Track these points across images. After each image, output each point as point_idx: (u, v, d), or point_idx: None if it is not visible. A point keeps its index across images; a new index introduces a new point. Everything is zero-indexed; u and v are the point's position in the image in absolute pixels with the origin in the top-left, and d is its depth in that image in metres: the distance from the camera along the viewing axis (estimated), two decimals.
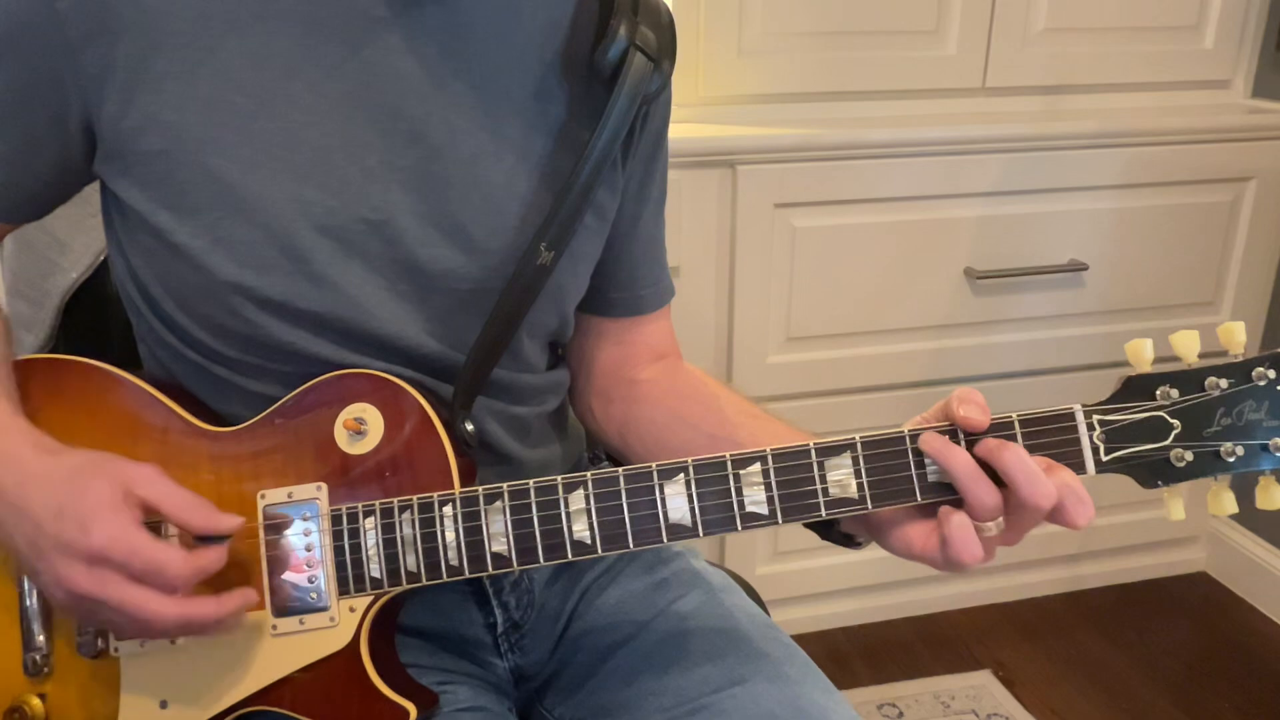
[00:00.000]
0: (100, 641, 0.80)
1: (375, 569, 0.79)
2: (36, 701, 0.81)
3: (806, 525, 0.82)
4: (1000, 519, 0.73)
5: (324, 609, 0.79)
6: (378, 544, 0.79)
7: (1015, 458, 0.72)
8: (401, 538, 0.78)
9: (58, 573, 0.72)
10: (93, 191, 0.86)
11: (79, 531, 0.71)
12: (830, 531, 0.84)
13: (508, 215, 0.84)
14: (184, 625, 0.74)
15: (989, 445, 0.73)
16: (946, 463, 0.73)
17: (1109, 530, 2.18)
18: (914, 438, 0.75)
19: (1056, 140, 1.88)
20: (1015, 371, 1.98)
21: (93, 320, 1.10)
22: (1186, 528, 2.27)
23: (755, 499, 0.76)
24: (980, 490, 0.73)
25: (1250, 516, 2.21)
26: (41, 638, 0.81)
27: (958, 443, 0.74)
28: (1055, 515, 0.73)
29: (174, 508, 0.75)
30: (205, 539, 0.76)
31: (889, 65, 1.91)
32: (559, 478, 0.78)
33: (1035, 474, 0.71)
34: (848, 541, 0.84)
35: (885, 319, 1.91)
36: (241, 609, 0.77)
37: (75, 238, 1.08)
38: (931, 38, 1.91)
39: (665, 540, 0.77)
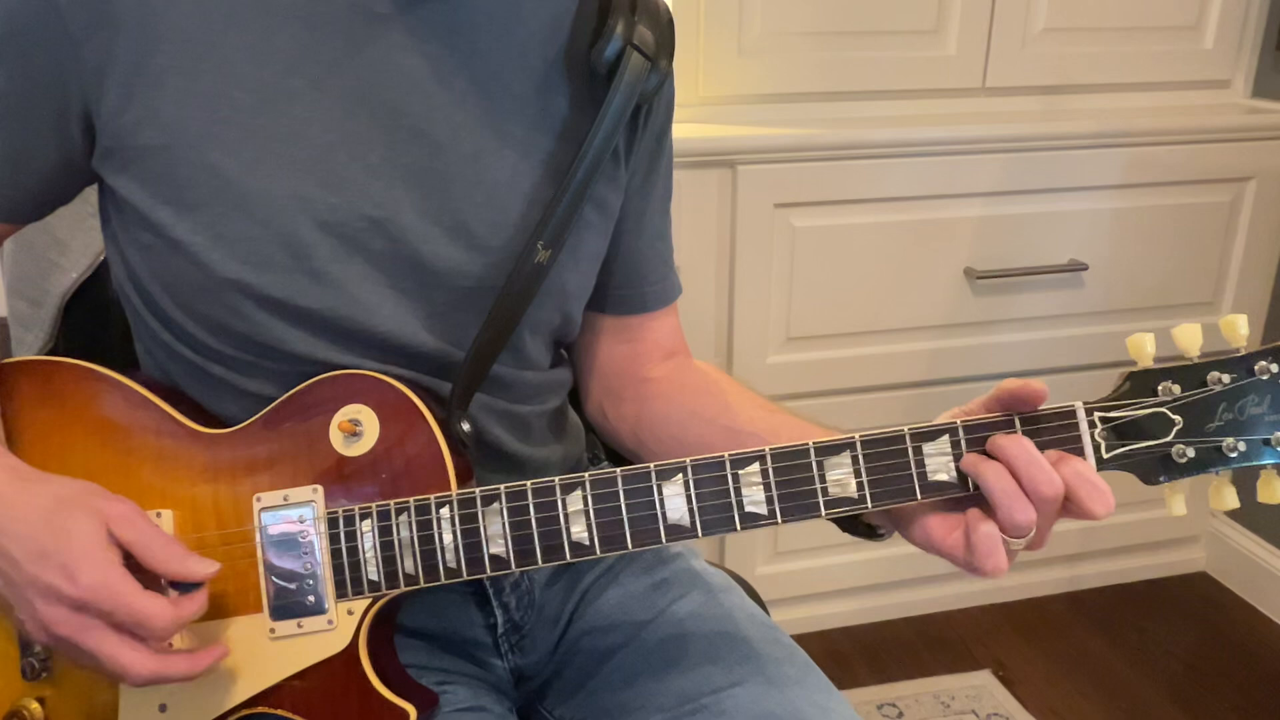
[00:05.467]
0: None
1: (373, 571, 0.78)
2: (36, 706, 0.81)
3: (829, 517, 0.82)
4: (1031, 534, 0.73)
5: (322, 612, 0.79)
6: (375, 546, 0.78)
7: (1013, 443, 0.72)
8: (399, 540, 0.78)
9: (38, 614, 0.72)
10: (92, 191, 0.86)
11: (64, 578, 0.70)
12: (855, 525, 0.83)
13: (510, 212, 0.84)
14: (157, 679, 0.73)
15: (997, 441, 0.73)
16: (982, 479, 0.73)
17: (1109, 530, 2.18)
18: (915, 436, 0.75)
19: (1056, 140, 1.88)
20: (1015, 372, 1.98)
21: (93, 320, 1.10)
22: (1186, 528, 2.27)
23: (754, 499, 0.76)
24: (1015, 510, 0.72)
25: (1250, 517, 2.21)
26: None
27: (959, 443, 0.74)
28: (1072, 507, 0.72)
29: (149, 552, 0.74)
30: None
31: (889, 65, 1.90)
32: (556, 479, 0.77)
33: (1036, 460, 0.71)
34: (870, 533, 0.84)
35: (885, 319, 1.91)
36: (215, 664, 0.76)
37: (75, 237, 1.08)
38: (931, 38, 1.91)
39: (664, 541, 0.77)
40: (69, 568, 0.70)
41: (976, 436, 0.74)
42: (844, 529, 0.84)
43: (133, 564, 0.74)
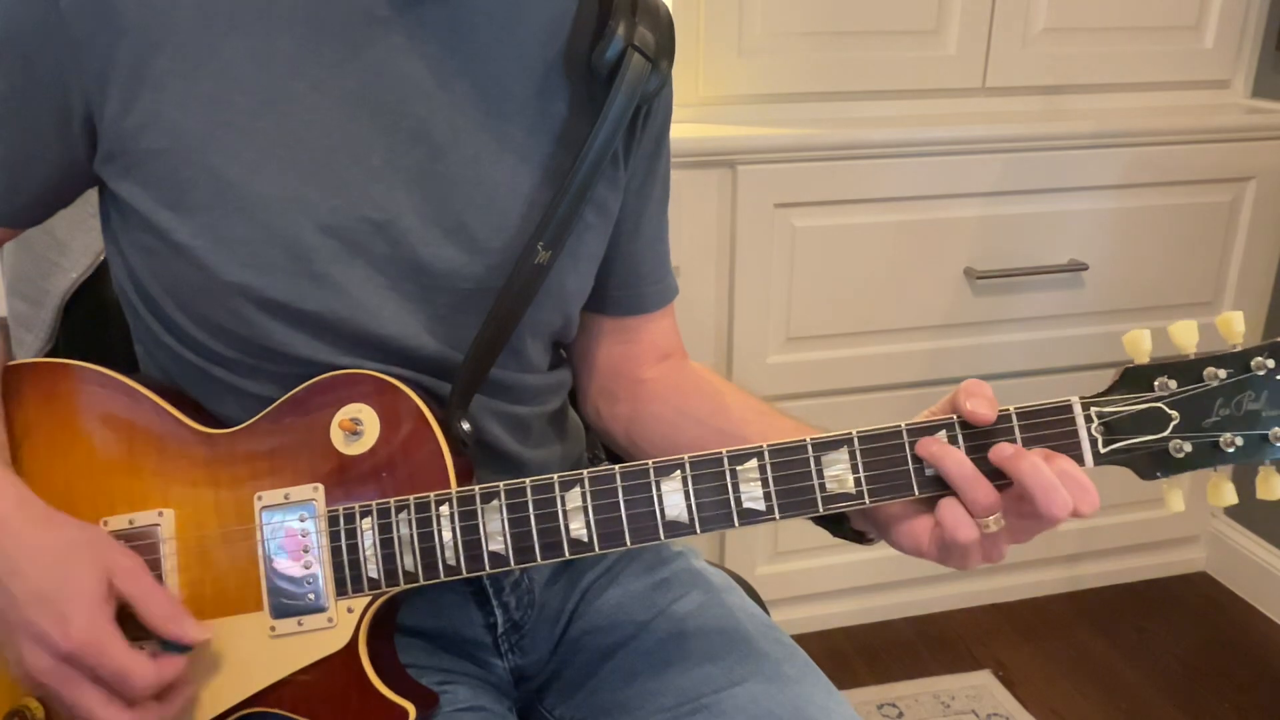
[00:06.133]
0: None
1: (373, 569, 0.79)
2: (36, 705, 0.81)
3: (816, 522, 0.82)
4: (999, 515, 0.73)
5: (322, 610, 0.79)
6: (375, 544, 0.78)
7: (1031, 467, 0.71)
8: (399, 538, 0.78)
9: (23, 656, 0.72)
10: (92, 191, 0.86)
11: (56, 624, 0.71)
12: (841, 528, 0.84)
13: (510, 215, 0.84)
14: None
15: (1003, 453, 0.73)
16: (941, 465, 0.74)
17: (1109, 530, 2.18)
18: (912, 431, 0.75)
19: (1056, 140, 1.88)
20: (1015, 371, 1.99)
21: (93, 320, 1.10)
22: (1186, 527, 2.27)
23: (752, 495, 0.76)
24: (976, 490, 0.73)
25: (1250, 516, 2.21)
26: None
27: (955, 439, 0.75)
28: None
29: (146, 608, 0.75)
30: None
31: (889, 65, 1.91)
32: (555, 476, 0.78)
33: (1052, 485, 0.71)
34: (859, 537, 0.84)
35: (885, 319, 1.91)
36: (181, 705, 0.77)
37: (75, 238, 1.08)
38: (931, 38, 1.91)
39: (663, 537, 0.77)
40: (64, 616, 0.71)
41: (973, 432, 0.75)
42: (833, 533, 0.84)
43: (123, 614, 0.74)
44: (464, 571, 0.78)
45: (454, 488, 0.79)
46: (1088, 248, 1.95)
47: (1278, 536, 2.16)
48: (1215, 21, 2.02)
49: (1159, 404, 0.74)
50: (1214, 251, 2.03)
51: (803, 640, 0.95)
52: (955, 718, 1.89)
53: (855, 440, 0.76)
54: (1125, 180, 1.93)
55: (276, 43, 0.78)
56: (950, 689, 1.96)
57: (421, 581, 0.78)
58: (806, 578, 2.05)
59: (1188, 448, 0.74)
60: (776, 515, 0.76)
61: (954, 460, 0.73)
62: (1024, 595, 2.21)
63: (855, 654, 2.05)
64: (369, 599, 0.79)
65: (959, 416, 0.75)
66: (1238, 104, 2.08)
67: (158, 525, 0.80)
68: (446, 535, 0.78)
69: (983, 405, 0.74)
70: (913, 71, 1.92)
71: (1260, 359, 0.73)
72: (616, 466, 0.78)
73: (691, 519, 0.77)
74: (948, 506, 0.74)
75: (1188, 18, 2.01)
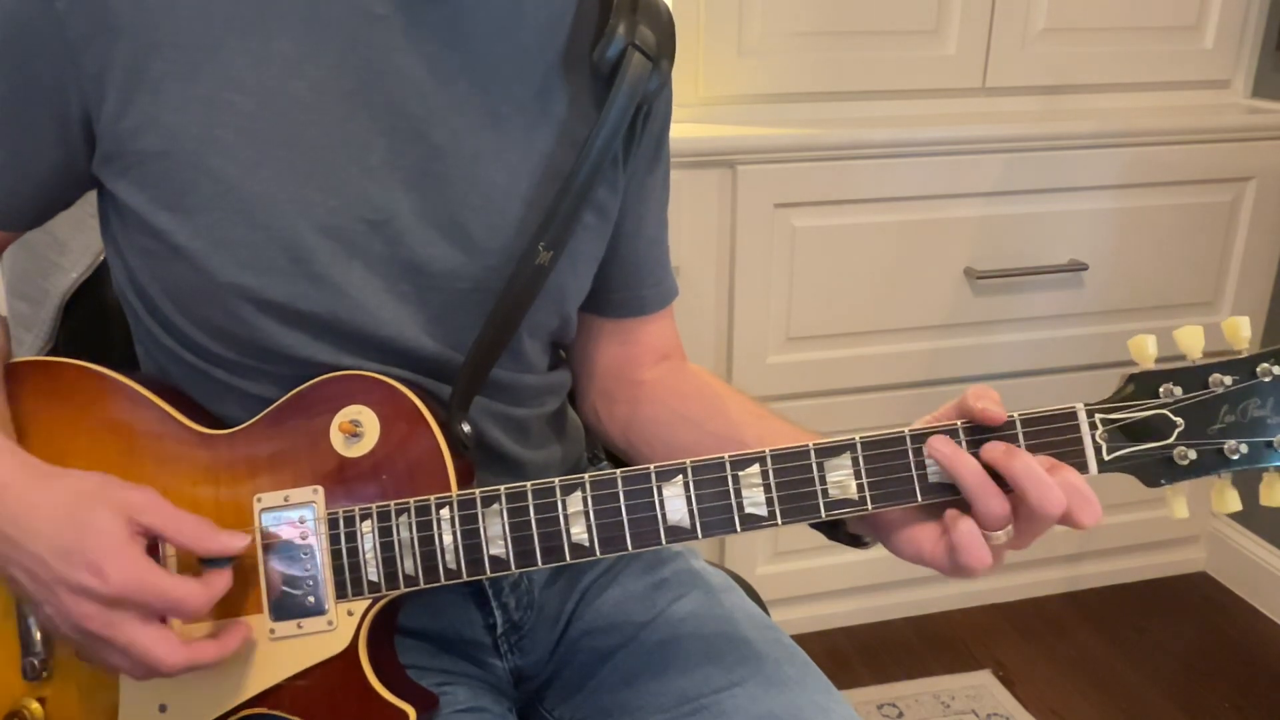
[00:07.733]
0: None
1: (373, 572, 0.78)
2: (36, 706, 0.81)
3: (813, 526, 0.82)
4: (1009, 527, 0.73)
5: (322, 612, 0.79)
6: (375, 547, 0.78)
7: (1024, 466, 0.71)
8: (399, 541, 0.78)
9: (68, 611, 0.72)
10: (93, 191, 0.85)
11: (92, 575, 0.71)
12: (837, 532, 0.83)
13: (508, 215, 0.84)
14: (190, 666, 0.74)
15: (995, 451, 0.72)
16: (955, 470, 0.73)
17: (1109, 530, 2.18)
18: (915, 438, 0.75)
19: (1056, 140, 1.88)
20: (1015, 371, 1.98)
21: (93, 320, 1.10)
22: (1187, 528, 2.27)
23: (754, 500, 0.76)
24: (989, 500, 0.72)
25: (1251, 517, 2.21)
26: (40, 641, 0.81)
27: (960, 443, 0.74)
28: (1062, 517, 0.72)
29: (178, 533, 0.75)
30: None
31: (889, 65, 1.91)
32: (556, 480, 0.77)
33: (1045, 482, 0.70)
34: (855, 542, 0.84)
35: (885, 319, 1.91)
36: (239, 644, 0.77)
37: (75, 237, 1.08)
38: (931, 38, 1.91)
39: (664, 542, 0.76)
40: (97, 565, 0.71)
41: (977, 439, 0.74)
42: (828, 536, 0.84)
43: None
44: (464, 575, 0.78)
45: (454, 490, 0.79)
46: (1088, 248, 1.95)
47: (1278, 536, 2.17)
48: (1215, 21, 2.02)
49: (1164, 410, 0.73)
50: (1214, 251, 2.03)
51: (803, 640, 0.95)
52: (955, 718, 1.89)
53: (858, 446, 0.75)
54: (1125, 180, 1.93)
55: (274, 43, 0.78)
56: (950, 689, 1.96)
57: (422, 585, 0.78)
58: (806, 578, 2.05)
59: (1193, 455, 0.73)
60: (779, 521, 0.76)
61: (968, 468, 0.72)
62: (1024, 595, 2.21)
63: (855, 654, 2.05)
64: (369, 602, 0.79)
65: (964, 421, 0.75)
66: (1238, 104, 2.08)
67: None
68: (447, 539, 0.78)
69: (993, 406, 0.73)
70: (913, 71, 1.92)
71: (1266, 365, 0.72)
72: (618, 470, 0.77)
73: (693, 524, 0.76)
74: (963, 530, 0.72)
75: (1188, 18, 2.01)
